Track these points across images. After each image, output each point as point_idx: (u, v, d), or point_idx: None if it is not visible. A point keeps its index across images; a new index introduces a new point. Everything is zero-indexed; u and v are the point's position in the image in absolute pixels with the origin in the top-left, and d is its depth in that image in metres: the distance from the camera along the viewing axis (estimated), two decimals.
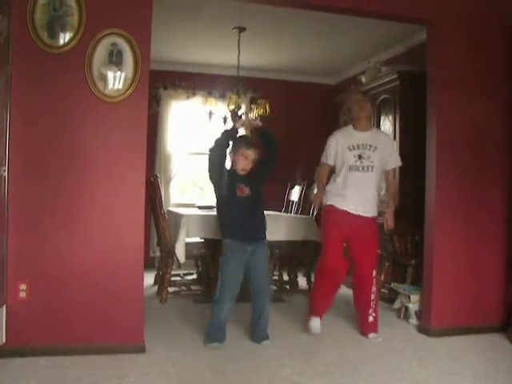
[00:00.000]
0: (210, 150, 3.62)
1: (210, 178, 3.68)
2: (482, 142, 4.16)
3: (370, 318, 3.92)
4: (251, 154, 3.65)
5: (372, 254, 3.95)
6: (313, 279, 4.47)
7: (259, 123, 3.75)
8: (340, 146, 3.90)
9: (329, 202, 3.94)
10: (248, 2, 4.11)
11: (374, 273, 3.93)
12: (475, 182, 4.13)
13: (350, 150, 3.86)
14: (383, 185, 4.19)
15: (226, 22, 5.52)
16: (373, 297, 3.92)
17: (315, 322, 3.94)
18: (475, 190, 4.13)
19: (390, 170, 4.03)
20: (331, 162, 3.98)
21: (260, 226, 3.77)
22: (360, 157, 3.83)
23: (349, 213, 3.84)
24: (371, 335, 3.91)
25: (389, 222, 4.00)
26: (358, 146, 3.85)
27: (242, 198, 3.64)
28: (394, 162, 4.03)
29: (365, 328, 3.96)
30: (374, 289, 3.92)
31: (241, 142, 3.71)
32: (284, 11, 4.62)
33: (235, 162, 3.69)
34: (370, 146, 3.86)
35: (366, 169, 3.84)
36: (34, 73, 3.28)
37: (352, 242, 3.93)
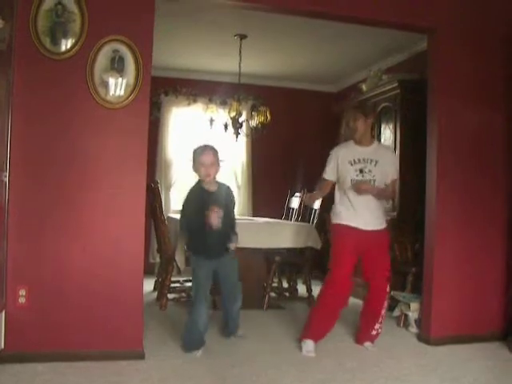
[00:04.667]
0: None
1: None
2: (483, 148, 4.17)
3: (374, 332, 3.88)
4: (206, 159, 3.58)
5: (386, 268, 3.85)
6: (316, 296, 4.17)
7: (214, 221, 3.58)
8: (340, 161, 3.85)
9: (337, 221, 3.86)
10: (249, 9, 4.12)
11: (388, 287, 3.86)
12: (476, 188, 4.13)
13: (351, 164, 3.81)
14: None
15: (228, 29, 5.54)
16: (383, 312, 3.85)
17: (309, 345, 3.76)
18: (476, 197, 4.13)
19: (389, 183, 3.90)
20: (330, 178, 3.92)
21: (225, 242, 3.76)
22: (361, 171, 3.77)
23: (359, 229, 3.76)
24: (367, 343, 3.89)
25: (363, 185, 3.73)
26: (359, 160, 3.80)
27: (203, 221, 3.54)
28: (392, 174, 3.92)
29: (364, 337, 3.92)
30: (385, 303, 3.86)
31: (195, 153, 3.66)
32: (285, 19, 4.64)
33: (198, 173, 3.64)
34: (371, 160, 3.80)
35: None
36: (36, 78, 3.29)
37: (365, 258, 3.84)
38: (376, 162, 3.81)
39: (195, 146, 3.71)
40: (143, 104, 3.47)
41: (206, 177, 3.60)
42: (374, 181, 3.78)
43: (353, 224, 3.77)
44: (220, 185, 3.75)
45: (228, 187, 3.84)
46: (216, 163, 3.63)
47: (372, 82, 5.96)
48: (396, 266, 4.96)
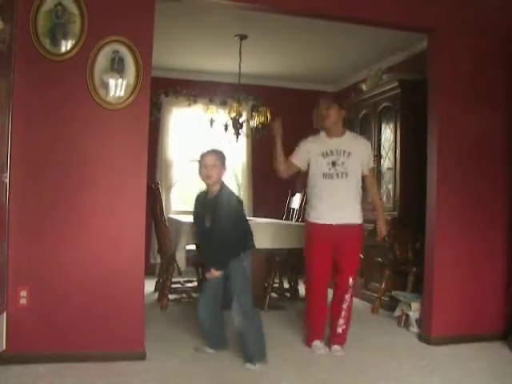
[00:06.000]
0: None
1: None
2: (483, 149, 4.17)
3: (339, 330, 3.77)
4: (208, 160, 3.48)
5: (350, 262, 3.78)
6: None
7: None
8: (312, 153, 3.82)
9: (308, 218, 3.86)
10: (249, 9, 4.12)
11: (351, 281, 3.75)
12: (476, 191, 4.13)
13: (324, 156, 3.77)
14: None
15: (228, 30, 5.54)
16: (345, 306, 3.75)
17: (317, 344, 3.78)
18: (476, 199, 4.13)
19: (367, 173, 3.90)
20: (297, 163, 3.91)
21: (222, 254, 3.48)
22: (334, 164, 3.74)
23: (328, 224, 3.73)
24: (334, 347, 3.76)
25: (381, 230, 3.91)
26: (332, 152, 3.76)
27: (205, 228, 3.51)
28: (369, 164, 3.91)
29: (331, 339, 3.82)
30: (347, 297, 3.75)
31: (200, 157, 3.56)
32: (285, 19, 4.63)
33: (201, 176, 3.54)
34: (344, 151, 3.76)
35: (339, 176, 3.73)
36: (36, 80, 3.29)
37: (335, 251, 3.77)
38: (349, 153, 3.77)
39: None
40: (143, 105, 3.47)
41: (206, 178, 3.48)
42: (347, 174, 3.74)
43: (322, 221, 3.76)
44: (222, 192, 3.50)
45: (229, 196, 3.53)
46: (219, 165, 3.47)
47: (372, 82, 5.96)
48: (397, 265, 4.99)
